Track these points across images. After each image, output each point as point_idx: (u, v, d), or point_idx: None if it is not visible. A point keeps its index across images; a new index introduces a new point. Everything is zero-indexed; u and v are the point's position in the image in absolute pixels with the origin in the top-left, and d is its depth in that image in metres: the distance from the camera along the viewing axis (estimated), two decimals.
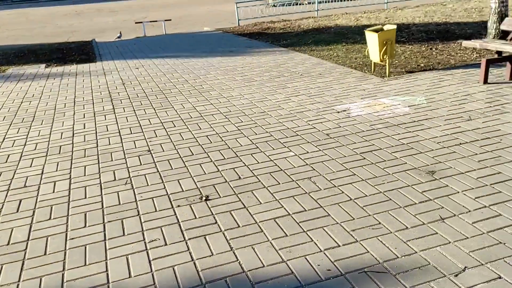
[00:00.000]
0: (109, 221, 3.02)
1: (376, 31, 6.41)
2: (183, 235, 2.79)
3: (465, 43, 5.57)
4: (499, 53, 5.45)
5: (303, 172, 3.53)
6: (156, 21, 14.55)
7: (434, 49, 8.05)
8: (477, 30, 9.76)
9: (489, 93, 5.11)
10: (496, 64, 6.08)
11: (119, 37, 13.19)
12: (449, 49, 7.87)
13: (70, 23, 20.74)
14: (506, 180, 3.13)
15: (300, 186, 3.30)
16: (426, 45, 8.41)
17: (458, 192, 3.02)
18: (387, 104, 5.04)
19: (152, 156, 4.08)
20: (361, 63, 7.33)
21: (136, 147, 4.34)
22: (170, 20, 14.75)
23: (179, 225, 2.91)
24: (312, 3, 17.09)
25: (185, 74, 7.47)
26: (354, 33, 10.58)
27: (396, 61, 7.17)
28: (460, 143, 3.82)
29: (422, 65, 6.88)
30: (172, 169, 3.78)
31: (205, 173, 3.64)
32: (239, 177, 3.52)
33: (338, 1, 17.22)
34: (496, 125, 4.15)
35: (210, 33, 13.04)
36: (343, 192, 3.15)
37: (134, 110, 5.60)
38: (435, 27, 10.57)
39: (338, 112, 4.93)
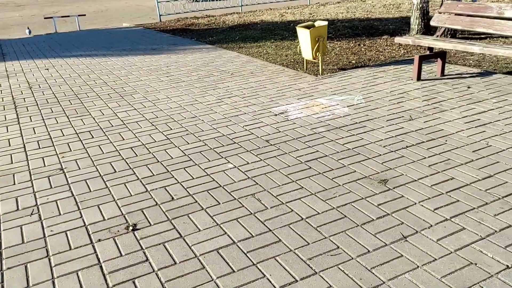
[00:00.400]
0: (8, 268, 2.40)
1: (307, 27, 6.16)
2: (105, 281, 2.26)
3: (398, 39, 5.48)
4: (430, 49, 5.42)
5: (245, 187, 3.12)
6: (68, 16, 13.36)
7: (362, 45, 8.01)
8: (399, 26, 9.95)
9: (424, 90, 5.05)
10: (426, 60, 6.10)
11: (29, 33, 11.91)
12: (377, 45, 7.87)
13: None
14: (460, 186, 2.96)
15: (243, 205, 2.89)
16: (353, 41, 8.37)
17: (416, 204, 2.78)
18: (325, 105, 4.78)
19: (66, 176, 3.45)
20: (292, 60, 7.07)
21: (45, 166, 3.67)
22: (85, 15, 13.63)
23: (101, 267, 2.37)
24: None
25: (103, 75, 6.74)
26: (281, 29, 10.36)
27: (328, 58, 7.00)
28: (407, 146, 3.63)
29: (354, 61, 6.76)
30: (90, 191, 3.19)
31: (131, 195, 3.11)
32: (172, 198, 3.04)
33: None
34: (438, 125, 4.03)
35: (129, 29, 12.19)
36: (292, 210, 2.79)
37: (43, 119, 4.85)
38: (359, 23, 10.66)
39: (276, 115, 4.58)
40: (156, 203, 2.99)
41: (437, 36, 5.43)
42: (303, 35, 6.15)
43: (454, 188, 2.94)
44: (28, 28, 12.26)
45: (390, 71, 5.94)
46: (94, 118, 4.79)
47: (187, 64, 7.21)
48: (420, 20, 8.37)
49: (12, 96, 5.81)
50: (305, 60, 6.44)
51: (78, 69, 7.27)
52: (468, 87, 5.02)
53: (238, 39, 9.31)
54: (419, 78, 5.36)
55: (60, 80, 6.59)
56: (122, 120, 4.69)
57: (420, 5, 8.32)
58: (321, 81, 5.75)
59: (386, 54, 7.15)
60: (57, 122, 4.73)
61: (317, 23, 6.22)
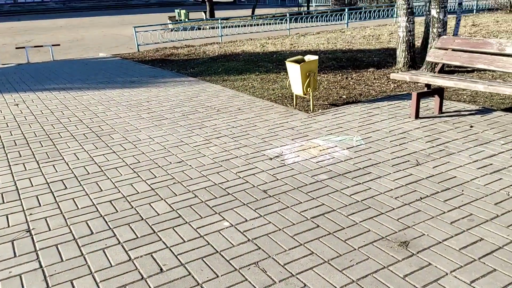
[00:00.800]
0: None
1: (297, 62, 5.87)
2: None
3: (394, 76, 5.23)
4: (427, 85, 5.18)
5: (246, 253, 2.69)
6: (42, 46, 12.84)
7: (349, 78, 7.79)
8: (383, 58, 9.85)
9: (425, 129, 4.77)
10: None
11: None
12: (365, 78, 7.66)
13: None
14: (493, 250, 2.60)
15: (246, 279, 2.45)
16: (340, 74, 8.15)
17: (447, 274, 2.40)
18: (323, 147, 4.43)
19: (33, 241, 2.95)
20: (280, 95, 6.76)
21: (9, 226, 3.16)
22: (59, 45, 13.14)
23: None
24: (215, 28, 16.55)
25: (78, 112, 6.25)
26: (265, 60, 10.12)
27: (317, 93, 6.72)
28: (421, 198, 3.28)
29: (344, 96, 6.49)
30: (62, 261, 2.70)
31: (111, 265, 2.63)
32: (161, 270, 2.58)
33: (241, 26, 16.89)
34: (449, 171, 3.72)
35: (106, 60, 11.75)
36: (305, 286, 2.37)
37: (10, 165, 4.33)
38: (342, 55, 10.52)
39: (271, 158, 4.20)
40: (141, 276, 2.52)
41: (434, 72, 5.21)
42: (293, 70, 5.85)
43: (486, 252, 2.58)
44: None
45: (384, 108, 5.67)
46: (67, 164, 4.31)
47: (169, 98, 6.81)
48: (406, 53, 8.25)
49: None
50: (294, 96, 6.13)
51: (51, 104, 6.76)
52: (471, 126, 4.77)
53: (221, 71, 8.99)
54: (417, 116, 5.09)
55: (30, 117, 6.07)
56: (99, 166, 4.22)
57: (406, 38, 8.21)
58: (314, 118, 5.42)
59: (376, 88, 6.92)
60: (25, 169, 4.22)
61: (307, 58, 5.95)
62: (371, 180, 3.62)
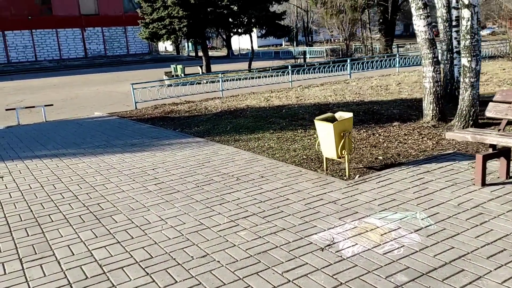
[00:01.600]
0: None
1: (328, 120, 5.09)
2: None
3: (450, 135, 4.44)
4: (492, 146, 4.38)
5: None
6: (33, 106, 12.09)
7: (376, 134, 7.02)
8: (402, 110, 9.18)
9: (502, 201, 3.90)
10: (467, 156, 5.05)
11: None
12: (394, 135, 6.89)
13: None
14: None
15: None
16: (364, 130, 7.39)
17: None
18: (382, 229, 3.53)
19: None
20: (304, 157, 5.92)
21: None
22: (52, 105, 12.40)
23: None
24: (215, 82, 16.00)
25: (73, 185, 5.34)
26: (275, 116, 9.38)
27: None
28: None
29: (381, 158, 5.67)
30: None
31: None
32: None
33: (241, 79, 16.37)
34: None
35: (102, 120, 10.97)
36: None
37: None
38: (356, 107, 9.85)
39: (322, 249, 3.27)
40: None
41: (499, 130, 4.42)
42: (325, 130, 5.05)
43: None
44: None
45: (436, 172, 4.83)
46: (59, 263, 3.34)
47: (178, 164, 5.94)
48: (434, 105, 7.55)
49: None
50: (324, 159, 5.30)
51: (41, 175, 5.85)
52: None
53: (230, 130, 8.20)
54: (484, 183, 4.24)
55: (16, 194, 5.14)
56: (100, 265, 3.26)
57: (434, 89, 7.53)
58: (356, 188, 4.55)
59: (413, 146, 6.12)
60: (5, 273, 3.24)
61: (339, 115, 5.17)
62: (471, 283, 2.69)
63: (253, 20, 24.19)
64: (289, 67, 16.08)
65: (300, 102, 11.68)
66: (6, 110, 11.74)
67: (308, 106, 10.56)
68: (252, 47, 26.20)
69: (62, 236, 3.84)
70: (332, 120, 5.08)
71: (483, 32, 59.20)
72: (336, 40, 37.32)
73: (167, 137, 7.93)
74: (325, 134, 5.06)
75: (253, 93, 14.69)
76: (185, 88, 15.06)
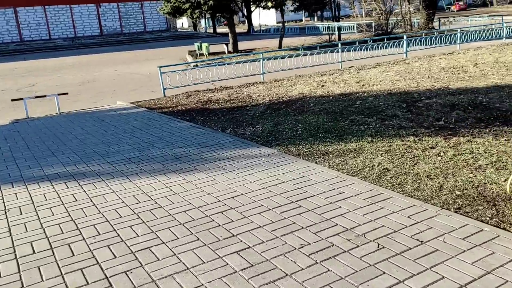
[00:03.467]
0: None
1: None
2: None
3: None
4: None
5: None
6: (45, 96, 10.09)
7: None
8: None
9: None
10: None
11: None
12: None
13: None
14: None
15: None
16: (498, 137, 5.21)
17: None
18: None
19: None
20: (458, 192, 3.79)
21: None
22: (67, 93, 10.40)
23: None
24: (248, 62, 13.66)
25: (101, 245, 3.31)
26: (352, 111, 7.20)
27: None
28: None
29: None
30: None
31: None
32: None
33: (277, 59, 14.03)
34: None
35: (128, 113, 8.93)
36: None
37: None
38: (453, 98, 7.60)
39: None
40: None
41: None
42: None
43: None
44: None
45: None
46: None
47: (257, 201, 3.86)
48: None
49: None
50: None
51: (50, 220, 3.84)
52: None
53: (302, 133, 6.07)
54: None
55: (8, 257, 3.14)
56: None
57: None
58: None
59: None
60: None
61: None
62: None
63: None
64: (339, 45, 13.73)
65: (366, 89, 9.46)
66: (12, 100, 9.76)
67: (384, 96, 8.35)
68: (283, 22, 23.71)
69: None
70: None
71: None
72: (369, 15, 34.41)
73: (220, 145, 5.84)
74: None
75: (299, 76, 12.48)
76: (217, 70, 12.83)
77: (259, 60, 12.67)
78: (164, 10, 22.77)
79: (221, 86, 11.76)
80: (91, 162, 5.49)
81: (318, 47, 14.25)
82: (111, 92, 12.86)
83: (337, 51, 13.83)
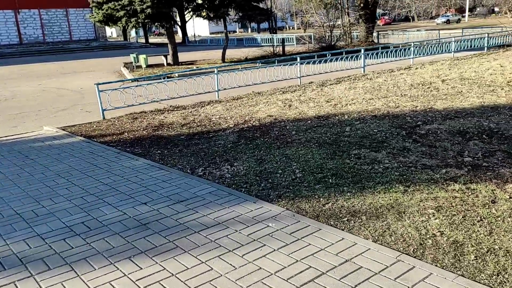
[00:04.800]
0: None
1: None
2: None
3: None
4: None
5: None
6: None
7: None
8: None
9: None
10: None
11: None
12: None
13: None
14: None
15: None
16: None
17: None
18: None
19: None
20: None
21: None
22: None
23: None
24: (196, 77, 11.98)
25: None
26: (347, 142, 5.93)
27: None
28: None
29: None
30: None
31: None
32: None
33: (228, 73, 12.56)
34: None
35: (59, 144, 7.01)
36: None
37: None
38: (454, 124, 6.61)
39: None
40: None
41: None
42: None
43: None
44: None
45: None
46: None
47: None
48: None
49: None
50: None
51: None
52: None
53: (304, 177, 4.64)
54: None
55: None
56: None
57: None
58: None
59: None
60: None
61: None
62: None
63: (225, 2, 20.39)
64: (298, 58, 12.58)
65: (341, 110, 8.33)
66: None
67: (370, 119, 7.21)
68: (226, 33, 22.35)
69: None
70: None
71: (438, 21, 58.55)
72: (310, 27, 34.01)
73: (200, 199, 4.26)
74: None
75: (258, 93, 11.15)
76: (163, 86, 11.08)
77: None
78: (95, 18, 20.48)
79: (171, 106, 10.12)
80: (9, 236, 3.69)
81: (276, 61, 12.99)
82: (35, 113, 10.68)
83: (296, 65, 12.68)
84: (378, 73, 13.54)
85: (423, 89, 10.10)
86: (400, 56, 15.74)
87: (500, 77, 11.02)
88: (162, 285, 2.84)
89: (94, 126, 8.49)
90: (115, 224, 3.81)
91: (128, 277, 2.96)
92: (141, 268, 3.05)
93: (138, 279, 2.92)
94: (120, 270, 3.04)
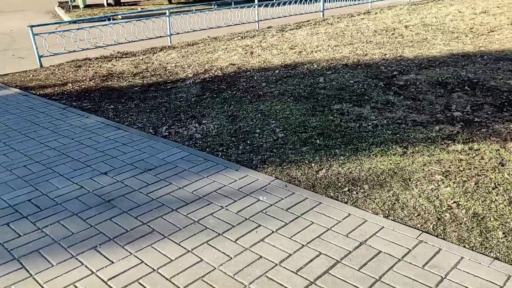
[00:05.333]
0: None
1: None
2: None
3: None
4: None
5: None
6: None
7: None
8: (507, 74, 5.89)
9: None
10: None
11: None
12: None
13: None
14: None
15: None
16: None
17: None
18: None
19: None
20: None
21: None
22: None
23: None
24: (144, 19, 10.83)
25: None
26: (326, 95, 5.43)
27: None
28: None
29: None
30: None
31: None
32: None
33: (180, 15, 11.48)
34: None
35: None
36: None
37: None
38: (431, 73, 6.28)
39: None
40: None
41: None
42: None
43: None
44: None
45: None
46: None
47: None
48: None
49: None
50: None
51: None
52: None
53: (287, 138, 4.13)
54: None
55: None
56: None
57: None
58: None
59: None
60: None
61: None
62: None
63: None
64: (256, 0, 11.67)
65: (308, 58, 7.78)
66: None
67: (342, 69, 6.74)
68: None
69: None
70: None
71: None
72: None
73: (171, 167, 3.64)
74: None
75: (215, 38, 10.28)
76: (108, 29, 9.86)
77: (166, 17, 10.07)
78: None
79: (119, 52, 9.09)
80: None
81: (233, 2, 11.98)
82: None
83: (253, 7, 11.79)
84: (338, 17, 12.96)
85: (387, 36, 9.69)
86: (358, 0, 15.20)
87: (462, 23, 10.82)
88: (142, 285, 2.27)
89: (31, 76, 7.41)
90: (71, 201, 3.13)
91: (96, 275, 2.36)
92: (113, 262, 2.46)
93: (111, 278, 2.34)
94: (86, 266, 2.44)
